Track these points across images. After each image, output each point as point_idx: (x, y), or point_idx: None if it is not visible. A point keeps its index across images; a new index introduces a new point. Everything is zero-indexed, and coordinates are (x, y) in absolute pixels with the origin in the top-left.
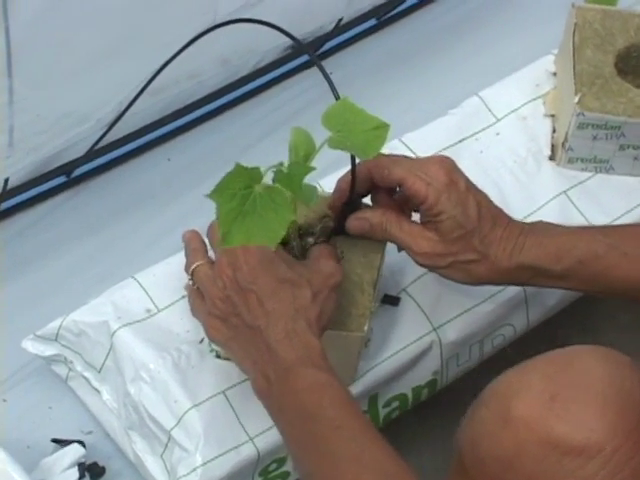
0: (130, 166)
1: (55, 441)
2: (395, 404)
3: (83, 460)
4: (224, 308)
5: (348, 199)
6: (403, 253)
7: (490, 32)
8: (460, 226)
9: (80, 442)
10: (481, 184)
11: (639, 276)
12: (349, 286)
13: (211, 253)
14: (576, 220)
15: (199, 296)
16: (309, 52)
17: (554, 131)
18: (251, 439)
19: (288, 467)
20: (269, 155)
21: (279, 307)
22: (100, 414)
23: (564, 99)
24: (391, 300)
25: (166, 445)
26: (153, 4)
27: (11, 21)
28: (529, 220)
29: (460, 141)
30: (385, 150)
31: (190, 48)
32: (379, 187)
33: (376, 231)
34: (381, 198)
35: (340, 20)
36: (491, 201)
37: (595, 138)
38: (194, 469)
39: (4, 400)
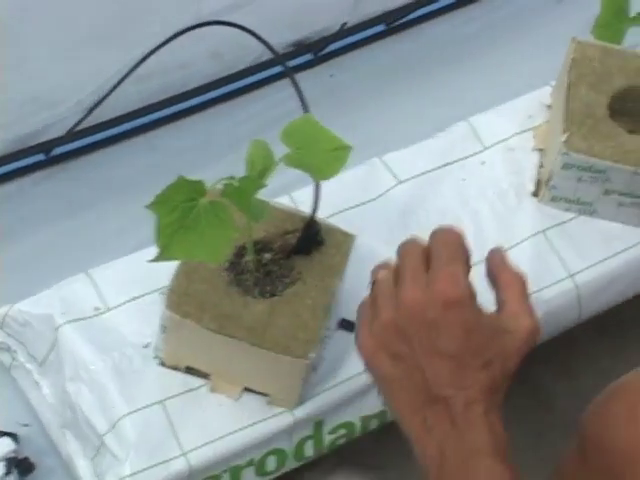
0: (112, 151)
1: None
2: (342, 432)
3: (13, 455)
4: (400, 348)
5: (310, 220)
6: (363, 278)
7: (497, 54)
8: None
9: (13, 435)
10: (458, 213)
11: None
12: (301, 309)
13: None
14: (551, 261)
15: (372, 309)
16: (283, 62)
17: (541, 166)
18: (184, 454)
19: None
20: None
21: (472, 387)
22: (39, 408)
23: (554, 135)
24: (348, 325)
25: (98, 449)
26: None
27: None
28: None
29: (443, 166)
30: (363, 168)
31: (180, 39)
32: None
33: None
34: None
35: (345, 24)
36: None
37: (580, 180)
38: (121, 478)
39: None
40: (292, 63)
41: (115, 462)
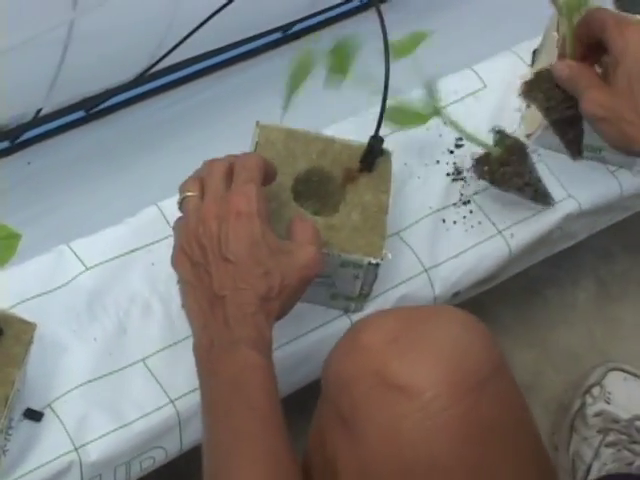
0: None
1: None
2: None
3: None
4: (197, 255)
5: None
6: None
7: (193, 137)
8: (630, 84)
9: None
10: (147, 298)
11: None
12: None
13: None
14: None
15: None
16: None
17: None
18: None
19: None
20: None
21: (247, 290)
22: None
23: None
24: (33, 415)
25: None
26: None
27: None
28: None
29: (131, 251)
30: (51, 256)
31: None
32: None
33: (569, 78)
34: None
35: (40, 110)
36: None
37: None
38: None
39: None
40: None
41: None
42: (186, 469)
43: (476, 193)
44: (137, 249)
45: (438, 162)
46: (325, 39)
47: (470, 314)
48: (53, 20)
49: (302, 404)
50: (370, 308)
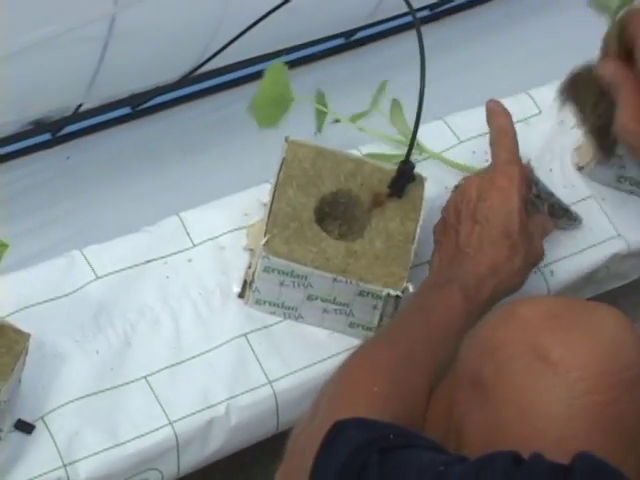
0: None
1: None
2: None
3: None
4: (452, 218)
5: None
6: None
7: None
8: None
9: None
10: (158, 312)
11: None
12: None
13: None
14: (251, 366)
15: None
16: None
17: (249, 267)
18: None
19: None
20: None
21: (490, 253)
22: None
23: (261, 236)
24: (24, 427)
25: None
26: None
27: None
28: None
29: (146, 262)
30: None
31: None
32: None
33: (612, 82)
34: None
35: (80, 105)
36: None
37: (282, 284)
38: None
39: None
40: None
41: None
42: None
43: None
44: (153, 260)
45: None
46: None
47: (629, 318)
48: (93, 13)
49: None
50: None
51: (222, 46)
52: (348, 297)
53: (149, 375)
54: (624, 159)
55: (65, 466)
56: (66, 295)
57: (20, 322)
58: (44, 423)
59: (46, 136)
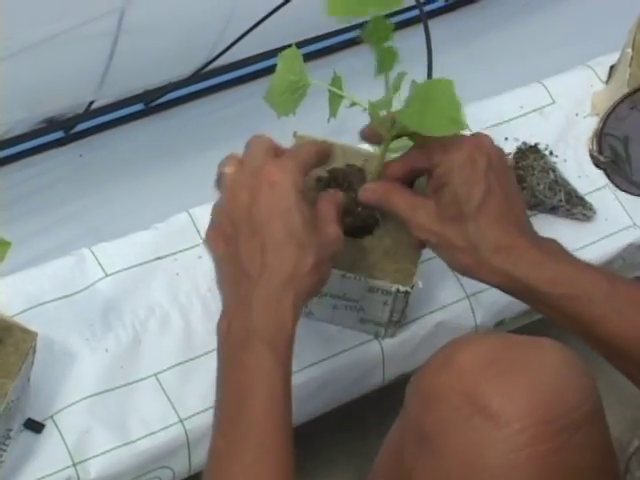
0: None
1: None
2: None
3: None
4: (229, 231)
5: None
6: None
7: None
8: (458, 207)
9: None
10: (167, 309)
11: (627, 335)
12: None
13: None
14: None
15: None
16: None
17: None
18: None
19: None
20: None
21: (278, 265)
22: None
23: None
24: (34, 426)
25: None
26: None
27: None
28: None
29: (155, 259)
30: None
31: None
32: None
33: (381, 202)
34: (391, 171)
35: (92, 102)
36: (514, 204)
37: None
38: None
39: None
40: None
41: None
42: None
43: (531, 217)
44: (162, 257)
45: None
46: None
47: (573, 351)
48: (102, 8)
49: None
50: (403, 334)
51: (233, 41)
52: (358, 293)
53: (159, 373)
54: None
55: (75, 465)
56: (76, 293)
57: (30, 320)
58: (54, 422)
59: (59, 134)
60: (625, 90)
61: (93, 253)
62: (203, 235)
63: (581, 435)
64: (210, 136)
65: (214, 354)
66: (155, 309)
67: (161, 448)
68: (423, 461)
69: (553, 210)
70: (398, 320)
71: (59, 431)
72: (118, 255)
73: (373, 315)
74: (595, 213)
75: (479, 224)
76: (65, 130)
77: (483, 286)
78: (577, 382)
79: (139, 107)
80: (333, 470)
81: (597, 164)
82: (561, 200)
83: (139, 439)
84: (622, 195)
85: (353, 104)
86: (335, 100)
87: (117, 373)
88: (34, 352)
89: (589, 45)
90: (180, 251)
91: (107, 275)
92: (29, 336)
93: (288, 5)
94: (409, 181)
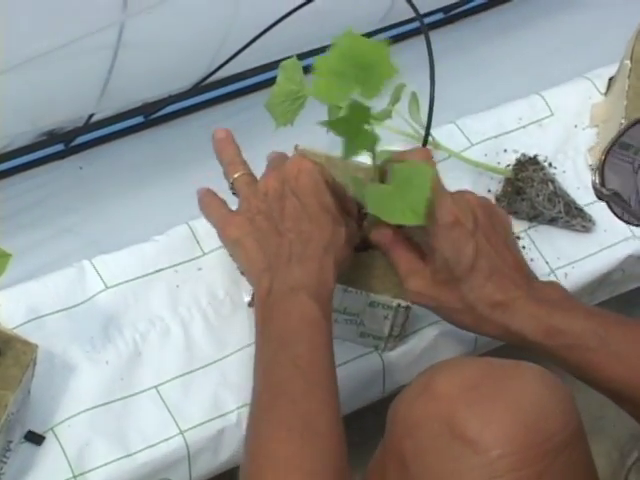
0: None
1: None
2: None
3: None
4: (258, 208)
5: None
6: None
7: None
8: (449, 269)
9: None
10: (168, 322)
11: (626, 379)
12: None
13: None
14: None
15: (215, 197)
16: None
17: None
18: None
19: None
20: None
21: (315, 232)
22: None
23: None
24: (34, 438)
25: None
26: None
27: None
28: None
29: (156, 272)
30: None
31: None
32: None
33: (386, 251)
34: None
35: (92, 115)
36: (507, 257)
37: None
38: None
39: None
40: (42, 153)
41: None
42: None
43: (530, 228)
44: (163, 269)
45: (489, 191)
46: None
47: (554, 374)
48: (102, 21)
49: None
50: (403, 346)
51: (233, 53)
52: (358, 307)
53: (159, 385)
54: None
55: (75, 477)
56: (76, 305)
57: (29, 333)
58: (54, 434)
59: (59, 147)
60: (624, 102)
61: (93, 265)
62: (203, 247)
63: (563, 460)
64: (210, 148)
65: (214, 366)
66: (155, 321)
67: (161, 460)
68: None
69: (552, 221)
70: (398, 334)
71: (59, 443)
72: (118, 267)
73: (373, 329)
74: (594, 224)
75: (473, 285)
76: (65, 143)
77: None
78: (557, 406)
79: (139, 120)
80: None
81: (599, 196)
82: (560, 211)
83: (139, 451)
84: None
85: None
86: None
87: (117, 385)
88: (34, 364)
89: (588, 57)
90: (180, 263)
91: (107, 287)
92: (29, 348)
93: (287, 19)
94: None
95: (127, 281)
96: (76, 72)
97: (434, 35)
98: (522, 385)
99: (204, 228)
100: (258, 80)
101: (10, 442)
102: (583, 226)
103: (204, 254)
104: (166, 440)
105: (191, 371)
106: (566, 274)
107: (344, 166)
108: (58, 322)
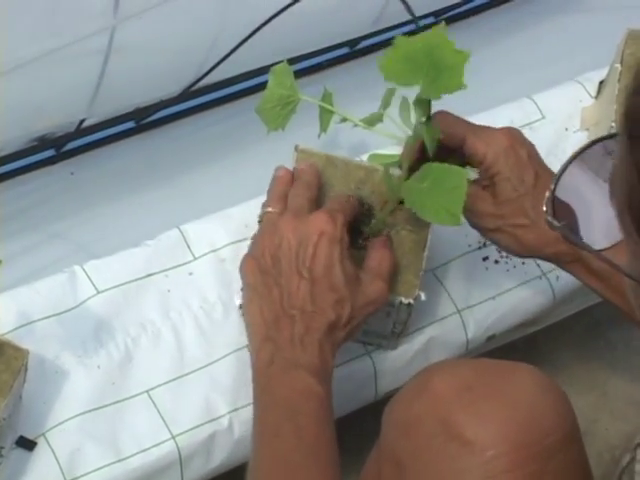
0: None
1: None
2: None
3: None
4: (268, 265)
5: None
6: (45, 395)
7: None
8: (514, 189)
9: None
10: (159, 326)
11: None
12: None
13: None
14: None
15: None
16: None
17: None
18: None
19: None
20: None
21: (317, 314)
22: None
23: None
24: (26, 444)
25: None
26: None
27: None
28: None
29: (147, 276)
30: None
31: None
32: (443, 147)
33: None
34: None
35: (83, 120)
36: None
37: None
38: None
39: None
40: (33, 159)
41: None
42: None
43: None
44: (154, 274)
45: None
46: None
47: (549, 377)
48: (93, 26)
49: None
50: (398, 347)
51: (222, 57)
52: None
53: (151, 389)
54: None
55: None
56: (67, 310)
57: (21, 338)
58: (46, 439)
59: (50, 152)
60: (614, 106)
61: (84, 270)
62: (194, 251)
63: (558, 460)
64: (200, 153)
65: (206, 370)
66: (147, 326)
67: (153, 465)
68: None
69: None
70: (400, 332)
71: (51, 448)
72: (109, 272)
73: (376, 327)
74: None
75: (536, 200)
76: (56, 148)
77: (474, 301)
78: (552, 407)
79: (130, 125)
80: None
81: (551, 228)
82: None
83: (131, 456)
84: None
85: (344, 120)
86: (325, 116)
87: (109, 390)
88: (26, 370)
89: (578, 61)
90: (171, 268)
91: (98, 292)
92: (20, 354)
93: (275, 22)
94: None
95: (118, 286)
96: (67, 77)
97: None
98: (517, 386)
99: (195, 233)
100: (248, 85)
101: (2, 448)
102: None
103: (195, 259)
104: (158, 445)
105: (183, 375)
106: (557, 277)
107: (344, 166)
108: (49, 327)
